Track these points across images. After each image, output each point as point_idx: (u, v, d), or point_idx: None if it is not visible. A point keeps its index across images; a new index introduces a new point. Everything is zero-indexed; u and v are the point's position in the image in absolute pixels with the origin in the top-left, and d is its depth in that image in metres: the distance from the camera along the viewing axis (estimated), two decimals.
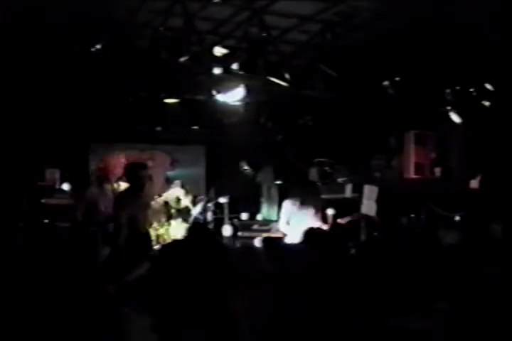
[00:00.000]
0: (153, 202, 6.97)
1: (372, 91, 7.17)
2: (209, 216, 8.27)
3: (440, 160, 8.11)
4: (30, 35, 6.58)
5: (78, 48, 6.46)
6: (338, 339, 3.60)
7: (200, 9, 6.22)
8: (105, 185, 7.06)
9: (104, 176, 7.18)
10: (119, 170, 7.21)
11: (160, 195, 7.11)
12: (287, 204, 7.69)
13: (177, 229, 7.37)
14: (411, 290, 4.02)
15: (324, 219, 7.88)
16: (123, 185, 7.10)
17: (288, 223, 7.56)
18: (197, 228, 5.52)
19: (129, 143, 9.38)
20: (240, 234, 8.23)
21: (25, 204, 8.25)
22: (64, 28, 6.43)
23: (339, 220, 7.63)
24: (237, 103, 7.51)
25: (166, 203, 7.42)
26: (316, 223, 7.61)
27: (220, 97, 7.17)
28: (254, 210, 9.95)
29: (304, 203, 7.62)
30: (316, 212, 7.71)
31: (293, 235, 6.80)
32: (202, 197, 8.39)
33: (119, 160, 7.34)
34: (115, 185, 7.10)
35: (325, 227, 7.46)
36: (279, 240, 5.87)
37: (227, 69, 6.44)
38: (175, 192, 7.20)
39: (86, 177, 9.24)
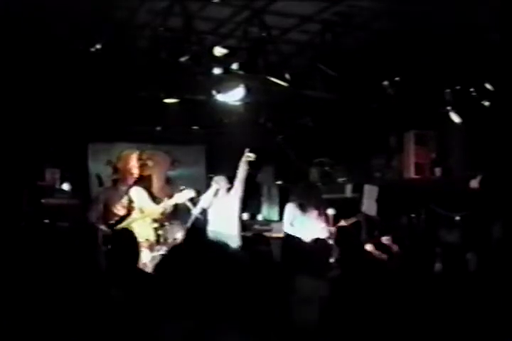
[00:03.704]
0: (162, 205, 7.08)
1: (372, 91, 7.16)
2: None
3: (440, 160, 8.11)
4: (30, 34, 6.57)
5: (78, 48, 6.46)
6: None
7: (200, 9, 6.22)
8: (121, 187, 7.14)
9: (123, 178, 7.26)
10: (135, 170, 7.28)
11: (170, 197, 7.16)
12: (290, 207, 7.69)
13: (178, 230, 7.39)
14: None
15: (327, 219, 7.89)
16: (136, 190, 7.19)
17: (292, 224, 7.56)
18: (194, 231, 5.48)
19: (129, 143, 9.37)
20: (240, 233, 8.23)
21: (25, 205, 8.25)
22: (64, 28, 6.43)
23: (343, 222, 7.61)
24: (237, 103, 7.51)
25: (176, 206, 7.46)
26: (320, 225, 7.61)
27: (220, 97, 7.17)
28: (254, 210, 9.96)
29: (306, 205, 7.62)
30: (320, 214, 7.71)
31: (297, 236, 6.81)
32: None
33: (134, 159, 7.39)
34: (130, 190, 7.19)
35: (329, 229, 7.47)
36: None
37: (227, 69, 6.43)
38: (186, 195, 7.23)
39: (86, 177, 9.25)
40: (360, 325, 3.68)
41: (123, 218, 7.02)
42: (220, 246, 3.81)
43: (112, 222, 6.98)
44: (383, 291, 4.06)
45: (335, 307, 3.80)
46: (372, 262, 4.68)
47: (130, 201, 7.12)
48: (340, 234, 6.28)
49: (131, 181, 7.22)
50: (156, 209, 7.14)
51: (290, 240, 6.44)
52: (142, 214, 7.10)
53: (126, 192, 7.14)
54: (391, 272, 4.52)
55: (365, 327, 3.68)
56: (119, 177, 7.44)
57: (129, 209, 7.11)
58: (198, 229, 5.54)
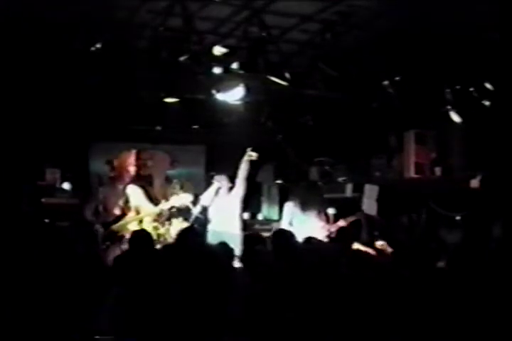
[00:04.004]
0: (160, 206, 7.09)
1: (372, 91, 7.16)
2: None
3: (440, 159, 8.10)
4: (30, 34, 6.57)
5: (78, 48, 6.46)
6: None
7: (200, 9, 6.21)
8: (117, 186, 7.15)
9: (119, 176, 7.28)
10: (132, 168, 7.30)
11: (167, 200, 7.19)
12: (289, 206, 7.70)
13: (178, 229, 7.40)
14: None
15: (327, 218, 7.88)
16: (131, 188, 7.19)
17: (291, 224, 7.57)
18: (187, 233, 5.49)
19: (129, 142, 9.37)
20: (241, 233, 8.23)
21: (25, 204, 8.26)
22: (64, 28, 6.43)
23: (340, 222, 7.60)
24: (237, 102, 7.51)
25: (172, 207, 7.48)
26: (319, 224, 7.62)
27: (220, 97, 7.17)
28: (254, 210, 9.95)
29: (306, 204, 7.62)
30: (319, 213, 7.70)
31: (296, 236, 6.80)
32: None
33: (131, 158, 7.41)
34: (126, 188, 7.19)
35: (327, 228, 7.45)
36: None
37: (227, 69, 6.44)
38: (184, 198, 7.26)
39: (86, 176, 9.26)
40: (355, 325, 3.68)
41: (120, 217, 7.03)
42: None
43: (108, 220, 6.98)
44: (381, 291, 4.05)
45: (331, 307, 3.80)
46: (369, 263, 4.68)
47: (126, 200, 7.12)
48: (339, 234, 6.26)
49: (127, 179, 7.22)
50: (153, 210, 7.15)
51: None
52: (138, 216, 7.08)
53: (123, 191, 7.15)
54: (388, 272, 4.51)
55: (361, 326, 3.68)
56: (116, 175, 7.43)
57: (126, 208, 7.11)
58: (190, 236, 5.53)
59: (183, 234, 5.43)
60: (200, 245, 5.49)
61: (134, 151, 7.63)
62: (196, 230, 5.83)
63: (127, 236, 6.60)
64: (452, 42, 6.31)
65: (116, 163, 7.54)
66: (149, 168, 10.06)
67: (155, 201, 7.30)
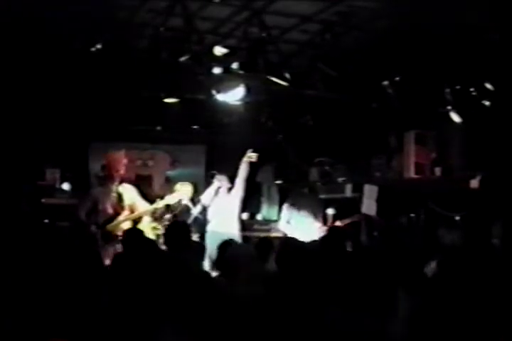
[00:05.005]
0: (154, 205, 7.08)
1: (372, 91, 7.16)
2: None
3: (440, 159, 8.08)
4: (30, 34, 6.58)
5: (78, 48, 6.47)
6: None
7: (200, 9, 6.22)
8: (110, 185, 7.12)
9: (109, 175, 7.24)
10: (122, 168, 7.27)
11: (162, 198, 7.18)
12: (287, 206, 7.74)
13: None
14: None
15: (325, 219, 7.90)
16: (124, 187, 7.18)
17: (288, 222, 7.60)
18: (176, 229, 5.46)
19: (129, 142, 9.38)
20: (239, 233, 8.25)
21: (25, 204, 8.26)
22: (64, 28, 6.44)
23: (337, 223, 7.62)
24: (237, 102, 7.52)
25: (168, 206, 7.46)
26: (316, 224, 7.64)
27: (220, 97, 7.19)
28: (254, 210, 9.96)
29: (303, 205, 7.65)
30: (316, 214, 7.72)
31: (293, 235, 6.84)
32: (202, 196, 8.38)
33: (121, 158, 7.38)
34: (119, 187, 7.15)
35: (323, 229, 7.47)
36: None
37: (227, 69, 6.44)
38: (178, 196, 7.25)
39: (86, 176, 9.27)
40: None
41: (113, 217, 6.98)
42: None
43: (102, 220, 6.93)
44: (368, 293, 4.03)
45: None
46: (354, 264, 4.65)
47: (120, 199, 7.09)
48: (330, 234, 6.22)
49: (118, 179, 7.18)
50: (148, 208, 7.12)
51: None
52: (132, 214, 7.05)
53: (116, 190, 7.11)
54: (374, 274, 4.49)
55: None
56: (106, 175, 7.39)
57: (119, 208, 7.07)
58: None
59: (170, 229, 5.42)
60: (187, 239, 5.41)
61: (123, 151, 7.58)
62: (183, 225, 5.76)
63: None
64: (452, 42, 6.32)
65: (105, 162, 7.49)
66: (150, 168, 10.09)
67: (153, 200, 7.28)
